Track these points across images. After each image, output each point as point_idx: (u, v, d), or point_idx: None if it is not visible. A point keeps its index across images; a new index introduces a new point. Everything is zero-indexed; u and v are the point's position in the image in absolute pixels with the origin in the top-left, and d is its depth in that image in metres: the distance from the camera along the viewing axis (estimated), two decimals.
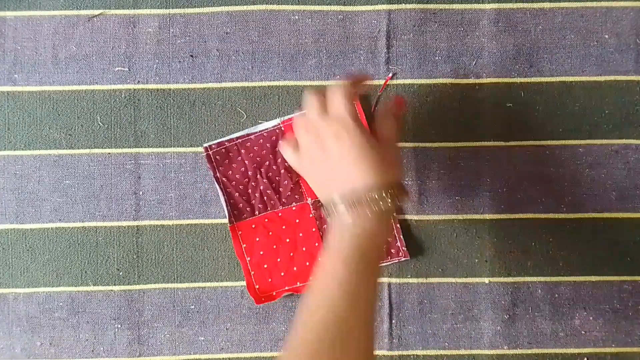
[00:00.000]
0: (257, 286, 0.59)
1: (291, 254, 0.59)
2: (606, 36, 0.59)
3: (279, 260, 0.59)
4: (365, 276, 0.43)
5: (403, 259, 0.59)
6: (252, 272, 0.59)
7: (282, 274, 0.59)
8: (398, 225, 0.59)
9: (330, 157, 0.47)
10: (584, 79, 0.60)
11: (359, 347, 0.41)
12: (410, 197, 0.48)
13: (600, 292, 0.60)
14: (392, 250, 0.59)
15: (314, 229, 0.59)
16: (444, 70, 0.60)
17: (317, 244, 0.59)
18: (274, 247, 0.59)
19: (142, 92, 0.60)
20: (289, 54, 0.60)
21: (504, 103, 0.60)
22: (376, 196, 0.44)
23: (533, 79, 0.60)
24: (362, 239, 0.44)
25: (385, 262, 0.59)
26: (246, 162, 0.59)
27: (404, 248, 0.59)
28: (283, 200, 0.59)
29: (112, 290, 0.60)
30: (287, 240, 0.59)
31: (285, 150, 0.52)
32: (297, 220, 0.59)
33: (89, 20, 0.60)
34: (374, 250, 0.45)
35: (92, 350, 0.60)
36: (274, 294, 0.59)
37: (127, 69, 0.60)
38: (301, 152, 0.50)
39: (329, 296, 0.42)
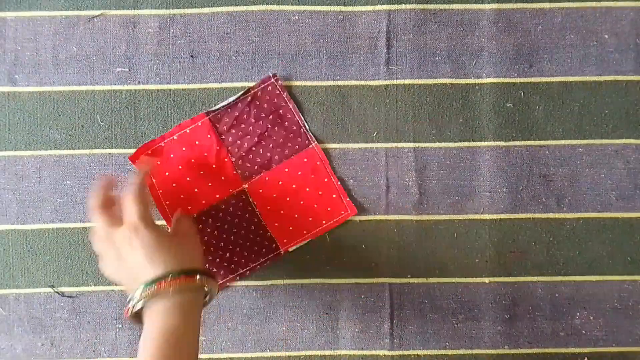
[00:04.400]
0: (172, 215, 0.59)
1: (201, 172, 0.59)
2: (606, 36, 0.59)
3: (188, 179, 0.59)
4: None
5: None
6: (167, 203, 0.59)
7: (196, 190, 0.59)
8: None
9: (126, 262, 0.49)
10: (583, 78, 0.60)
11: None
12: (216, 281, 0.51)
13: (601, 291, 0.60)
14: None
15: (217, 148, 0.59)
16: (444, 70, 0.60)
17: (226, 160, 0.59)
18: (180, 167, 0.59)
19: (142, 92, 0.60)
20: (289, 55, 0.60)
21: (503, 103, 0.60)
22: (170, 281, 0.47)
23: (533, 79, 0.60)
24: (162, 327, 0.46)
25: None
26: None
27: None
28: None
29: (113, 290, 0.60)
30: (192, 160, 0.59)
31: (99, 262, 0.52)
32: (197, 142, 0.59)
33: (89, 21, 0.60)
34: (177, 331, 0.47)
35: (94, 351, 0.60)
36: (189, 208, 0.59)
37: (128, 70, 0.60)
38: (103, 262, 0.51)
39: None
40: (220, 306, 0.60)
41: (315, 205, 0.59)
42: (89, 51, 0.60)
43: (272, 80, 0.59)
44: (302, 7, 0.60)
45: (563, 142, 0.60)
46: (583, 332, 0.60)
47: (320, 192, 0.59)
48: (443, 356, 0.60)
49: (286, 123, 0.60)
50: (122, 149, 0.60)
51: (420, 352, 0.60)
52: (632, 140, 0.60)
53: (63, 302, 0.60)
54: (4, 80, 0.60)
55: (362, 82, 0.60)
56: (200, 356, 0.60)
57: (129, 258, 0.49)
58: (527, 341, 0.60)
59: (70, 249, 0.60)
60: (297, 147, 0.60)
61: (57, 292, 0.60)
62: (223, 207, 0.59)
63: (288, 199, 0.59)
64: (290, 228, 0.59)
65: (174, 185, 0.59)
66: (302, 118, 0.60)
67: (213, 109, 0.59)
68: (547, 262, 0.60)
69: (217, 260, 0.59)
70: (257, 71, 0.60)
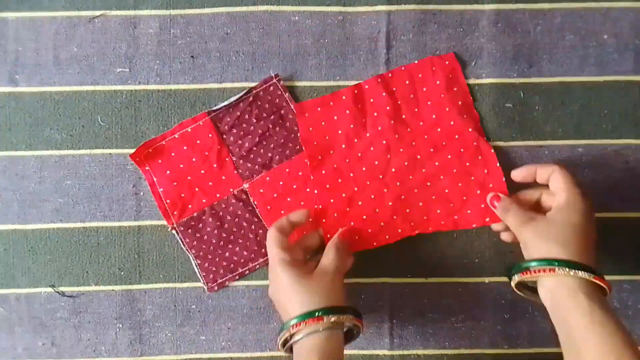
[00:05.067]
0: (175, 212, 0.59)
1: (202, 171, 0.59)
2: (605, 36, 0.60)
3: (189, 178, 0.59)
4: None
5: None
6: (167, 201, 0.59)
7: (197, 189, 0.59)
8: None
9: (278, 292, 0.53)
10: (583, 79, 0.60)
11: None
12: (361, 326, 0.52)
13: None
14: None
15: (218, 147, 0.59)
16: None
17: (227, 159, 0.59)
18: (181, 166, 0.59)
19: (143, 92, 0.60)
20: (289, 55, 0.60)
21: (503, 103, 0.60)
22: (305, 323, 0.49)
23: (532, 79, 0.60)
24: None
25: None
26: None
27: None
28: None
29: (113, 290, 0.60)
30: (193, 159, 0.59)
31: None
32: (198, 141, 0.59)
33: (90, 21, 0.60)
34: None
35: (94, 350, 0.60)
36: (190, 207, 0.59)
37: (128, 70, 0.60)
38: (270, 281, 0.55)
39: None
40: (220, 306, 0.60)
41: (316, 207, 0.59)
42: (89, 51, 0.60)
43: (274, 80, 0.59)
44: (302, 8, 0.60)
45: (562, 142, 0.60)
46: None
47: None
48: (443, 356, 0.60)
49: (287, 123, 0.60)
50: (123, 149, 0.60)
51: (420, 352, 0.60)
52: (632, 140, 0.60)
53: (64, 301, 0.60)
54: (5, 81, 0.60)
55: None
56: (200, 355, 0.60)
57: (279, 288, 0.52)
58: (526, 341, 0.60)
59: (71, 249, 0.60)
60: (298, 147, 0.60)
61: (58, 292, 0.60)
62: (223, 206, 0.60)
63: (289, 199, 0.59)
64: None
65: (175, 184, 0.59)
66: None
67: (214, 108, 0.59)
68: None
69: (217, 259, 0.59)
70: (258, 71, 0.60)
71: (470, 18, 0.60)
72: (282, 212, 0.59)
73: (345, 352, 0.60)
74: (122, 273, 0.60)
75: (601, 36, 0.60)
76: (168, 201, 0.59)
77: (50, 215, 0.60)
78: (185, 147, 0.59)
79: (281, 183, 0.59)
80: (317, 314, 0.49)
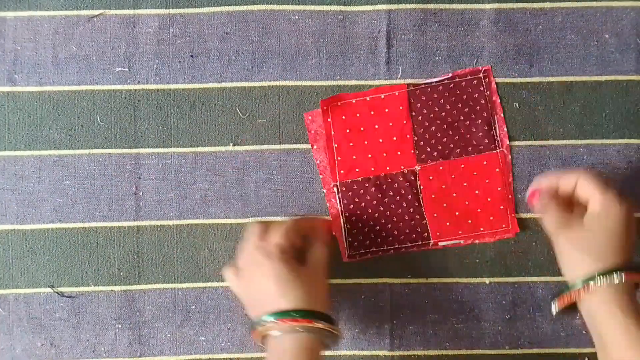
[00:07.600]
0: (342, 171, 0.59)
1: (380, 140, 0.59)
2: (607, 36, 0.59)
3: (366, 142, 0.59)
4: None
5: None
6: (339, 158, 0.59)
7: (370, 155, 0.59)
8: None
9: (258, 285, 0.51)
10: (584, 78, 0.60)
11: None
12: (340, 333, 0.51)
13: None
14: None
15: (404, 122, 0.59)
16: (444, 70, 0.60)
17: (408, 136, 0.59)
18: (362, 129, 0.59)
19: (142, 92, 0.60)
20: (289, 54, 0.60)
21: (504, 103, 0.60)
22: (298, 320, 0.48)
23: (533, 79, 0.59)
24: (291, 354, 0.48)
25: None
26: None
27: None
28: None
29: (112, 290, 0.60)
30: (376, 126, 0.59)
31: (226, 272, 0.54)
32: (387, 110, 0.59)
33: (89, 21, 0.60)
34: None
35: (93, 351, 0.60)
36: (357, 170, 0.59)
37: (127, 69, 0.60)
38: (238, 275, 0.53)
39: None
40: (220, 306, 0.60)
41: (479, 210, 0.58)
42: (88, 51, 0.60)
43: (480, 75, 0.59)
44: (302, 7, 0.60)
45: (564, 142, 0.60)
46: (584, 332, 0.59)
47: (488, 199, 0.59)
48: (443, 356, 0.60)
49: (479, 120, 0.59)
50: (122, 149, 0.60)
51: (420, 353, 0.60)
52: (634, 140, 0.60)
53: (63, 302, 0.60)
54: (4, 80, 0.60)
55: (362, 82, 0.60)
56: (200, 356, 0.60)
57: (262, 281, 0.50)
58: (527, 341, 0.60)
59: (69, 249, 0.60)
60: (481, 147, 0.59)
61: (57, 292, 0.60)
62: (389, 180, 0.59)
63: (454, 194, 0.59)
64: (447, 223, 0.59)
65: (351, 144, 0.59)
66: (496, 121, 0.59)
67: (416, 82, 0.59)
68: (547, 262, 0.60)
69: (367, 229, 0.59)
70: (257, 71, 0.60)
71: (470, 17, 0.59)
72: (444, 205, 0.59)
73: (345, 352, 0.60)
74: (121, 273, 0.60)
75: (602, 35, 0.59)
76: (339, 158, 0.59)
77: (49, 215, 0.60)
78: (372, 112, 0.59)
79: (453, 177, 0.59)
80: (317, 316, 0.49)
